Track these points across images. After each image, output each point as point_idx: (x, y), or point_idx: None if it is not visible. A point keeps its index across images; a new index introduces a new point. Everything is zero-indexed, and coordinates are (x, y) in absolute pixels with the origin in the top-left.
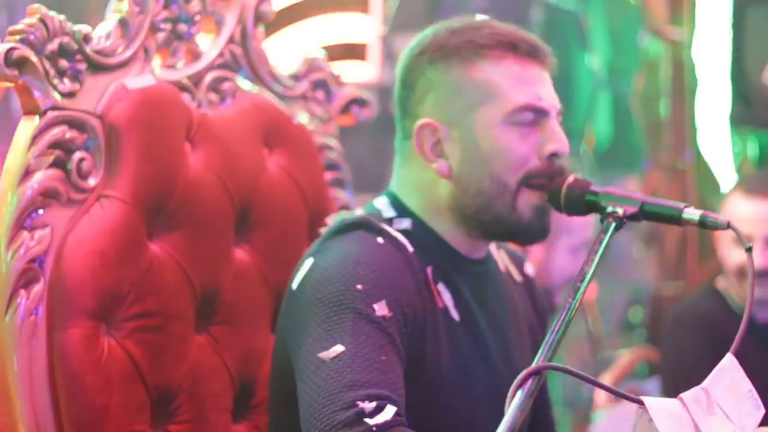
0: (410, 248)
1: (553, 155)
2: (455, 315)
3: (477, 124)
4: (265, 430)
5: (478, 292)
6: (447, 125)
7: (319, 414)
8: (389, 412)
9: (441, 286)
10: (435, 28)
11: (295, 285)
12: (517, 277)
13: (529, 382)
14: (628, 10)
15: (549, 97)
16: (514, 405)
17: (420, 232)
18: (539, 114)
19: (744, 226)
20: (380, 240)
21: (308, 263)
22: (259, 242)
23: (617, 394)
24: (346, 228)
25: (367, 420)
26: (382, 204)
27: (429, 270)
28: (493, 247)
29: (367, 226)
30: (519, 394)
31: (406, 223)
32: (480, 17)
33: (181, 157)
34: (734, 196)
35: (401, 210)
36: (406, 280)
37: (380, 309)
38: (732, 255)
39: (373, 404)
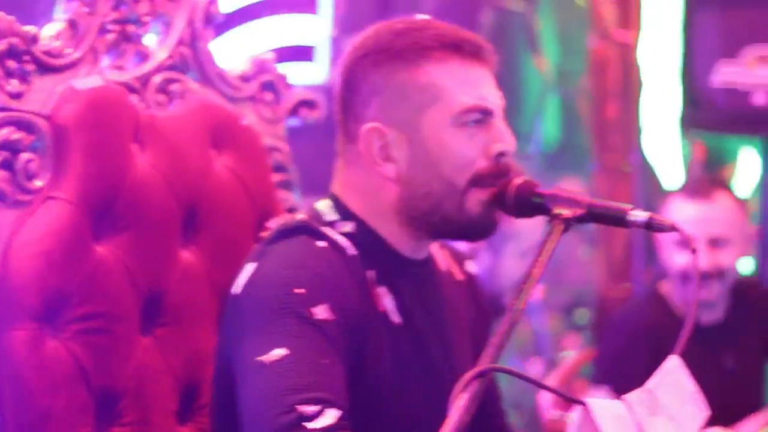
0: (352, 252)
1: (500, 155)
2: (396, 319)
3: (424, 127)
4: None
5: (419, 294)
6: (394, 129)
7: (259, 418)
8: (331, 416)
9: (382, 290)
10: (377, 28)
11: (236, 290)
12: (459, 275)
13: (474, 383)
14: (576, 12)
15: (493, 97)
16: (458, 406)
17: (362, 235)
18: (485, 114)
19: (685, 228)
20: (321, 244)
21: (249, 268)
22: (205, 244)
23: (562, 396)
24: (287, 232)
25: (307, 424)
26: (324, 207)
27: (370, 274)
28: (435, 246)
29: (309, 230)
30: (464, 395)
31: (348, 227)
32: (422, 17)
33: (128, 158)
34: (675, 199)
35: (344, 213)
36: (347, 284)
37: (321, 312)
38: (675, 258)
39: (315, 408)
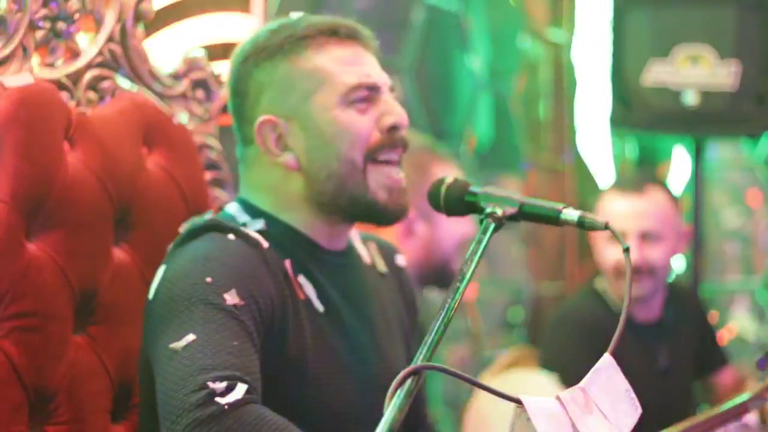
0: (265, 244)
1: (393, 128)
2: (319, 306)
3: (315, 110)
4: None
5: (340, 284)
6: (286, 118)
7: (171, 400)
8: (240, 390)
9: (302, 279)
10: (254, 33)
11: (150, 295)
12: (383, 268)
13: (408, 381)
14: (508, 11)
15: (377, 74)
16: (392, 405)
17: (275, 229)
18: (372, 91)
19: (618, 222)
20: (231, 237)
21: (161, 271)
22: (138, 242)
23: (496, 394)
24: (196, 232)
25: (218, 399)
26: (234, 209)
27: (287, 263)
28: (357, 239)
29: (217, 227)
30: (398, 393)
31: (259, 224)
32: (295, 14)
33: (59, 157)
34: (608, 194)
35: (253, 213)
36: (259, 272)
37: (231, 298)
38: (608, 254)
39: (224, 384)
